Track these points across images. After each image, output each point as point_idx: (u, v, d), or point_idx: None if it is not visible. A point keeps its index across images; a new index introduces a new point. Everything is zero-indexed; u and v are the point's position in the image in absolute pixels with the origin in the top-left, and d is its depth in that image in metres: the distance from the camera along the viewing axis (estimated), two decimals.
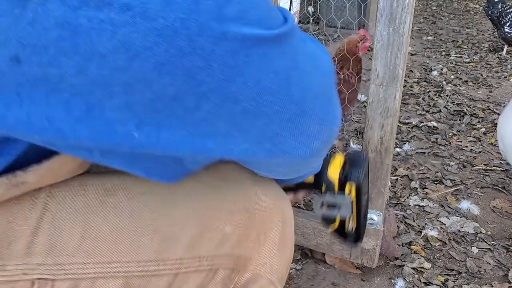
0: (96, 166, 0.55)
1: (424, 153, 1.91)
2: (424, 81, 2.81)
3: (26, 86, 0.32)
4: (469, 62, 3.22)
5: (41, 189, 0.47)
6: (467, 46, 3.68)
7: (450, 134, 2.09)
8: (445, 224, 1.44)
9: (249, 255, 0.56)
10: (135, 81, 0.32)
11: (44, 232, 0.46)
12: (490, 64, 3.17)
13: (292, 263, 0.67)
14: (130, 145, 0.36)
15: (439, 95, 2.57)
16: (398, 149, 1.93)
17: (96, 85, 0.32)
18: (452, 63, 3.20)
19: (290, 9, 1.43)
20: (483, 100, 2.49)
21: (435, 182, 1.68)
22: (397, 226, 1.41)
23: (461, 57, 3.37)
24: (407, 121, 2.21)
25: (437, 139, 2.03)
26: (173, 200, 0.53)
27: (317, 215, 0.75)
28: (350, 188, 0.65)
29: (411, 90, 2.65)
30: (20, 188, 0.44)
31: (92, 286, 0.48)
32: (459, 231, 1.41)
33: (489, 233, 1.40)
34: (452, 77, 2.89)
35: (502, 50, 3.44)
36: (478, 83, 2.77)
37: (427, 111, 2.34)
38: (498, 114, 2.22)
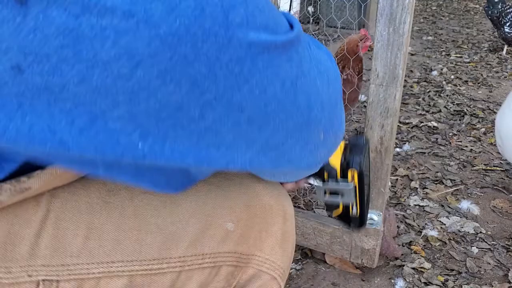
0: None
1: (424, 153, 1.91)
2: (424, 81, 2.81)
3: (27, 96, 0.31)
4: (469, 62, 3.22)
5: (44, 191, 0.47)
6: (467, 46, 3.68)
7: (450, 134, 2.08)
8: (445, 224, 1.44)
9: (252, 251, 0.57)
10: (139, 89, 0.31)
11: (48, 233, 0.46)
12: (490, 64, 3.17)
13: (292, 263, 0.67)
14: (133, 156, 0.35)
15: (439, 95, 2.57)
16: (398, 149, 1.93)
17: (99, 94, 0.31)
18: (452, 63, 3.20)
19: (290, 9, 1.43)
20: (483, 100, 2.49)
21: (435, 182, 1.68)
22: (397, 226, 1.41)
23: (461, 57, 3.37)
24: (407, 121, 2.21)
25: (437, 139, 2.03)
26: (175, 198, 0.53)
27: (320, 201, 0.74)
28: (353, 174, 0.64)
29: (411, 90, 2.65)
30: (24, 194, 0.44)
31: (96, 286, 0.48)
32: (459, 231, 1.41)
33: (489, 233, 1.40)
34: (452, 77, 2.89)
35: (502, 50, 3.44)
36: (478, 83, 2.77)
37: (427, 111, 2.34)
38: None
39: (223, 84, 0.33)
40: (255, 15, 0.33)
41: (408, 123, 2.19)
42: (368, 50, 1.60)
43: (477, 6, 5.72)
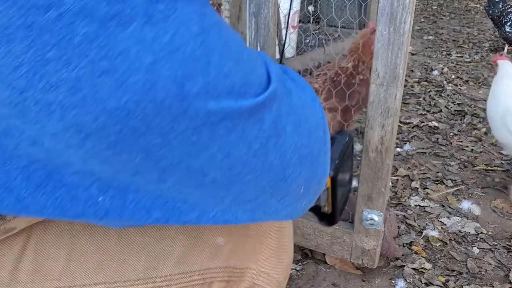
0: None
1: (425, 153, 1.90)
2: (425, 81, 2.81)
3: None
4: (470, 62, 3.22)
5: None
6: (468, 46, 3.68)
7: (451, 134, 2.08)
8: (446, 225, 1.43)
9: (245, 265, 0.56)
10: (91, 156, 0.31)
11: (28, 257, 0.45)
12: (491, 64, 3.16)
13: (292, 263, 0.67)
14: (94, 212, 0.34)
15: (440, 94, 2.57)
16: (398, 149, 1.93)
17: (52, 154, 0.31)
18: (453, 63, 3.19)
19: (290, 9, 1.42)
20: (484, 100, 2.49)
21: (436, 182, 1.68)
22: (398, 226, 1.41)
23: (462, 56, 3.36)
24: (407, 121, 2.21)
25: (438, 139, 2.02)
26: None
27: None
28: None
29: (411, 90, 2.65)
30: (8, 234, 0.43)
31: None
32: (460, 231, 1.40)
33: (490, 233, 1.40)
34: (453, 76, 2.88)
35: (503, 49, 3.43)
36: (479, 83, 2.77)
37: (428, 111, 2.34)
38: None
39: (179, 152, 0.32)
40: (217, 80, 0.31)
41: (408, 123, 2.18)
42: None
43: (478, 5, 5.71)
